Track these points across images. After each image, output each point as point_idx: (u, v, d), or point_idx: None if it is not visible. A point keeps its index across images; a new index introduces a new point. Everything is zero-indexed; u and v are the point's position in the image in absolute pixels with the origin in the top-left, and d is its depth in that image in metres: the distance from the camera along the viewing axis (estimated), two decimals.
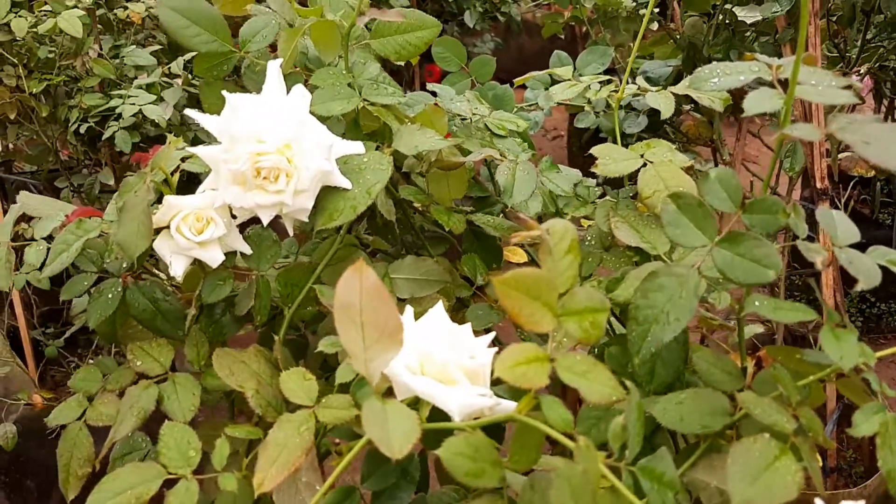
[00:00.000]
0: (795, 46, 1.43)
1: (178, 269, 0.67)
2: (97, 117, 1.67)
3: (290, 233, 0.68)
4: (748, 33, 1.46)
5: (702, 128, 1.85)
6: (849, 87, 0.58)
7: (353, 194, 0.66)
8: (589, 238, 0.82)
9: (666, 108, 0.81)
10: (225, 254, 0.69)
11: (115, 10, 1.84)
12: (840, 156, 1.94)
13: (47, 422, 0.71)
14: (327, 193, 0.66)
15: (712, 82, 0.61)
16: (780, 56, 1.48)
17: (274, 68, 0.66)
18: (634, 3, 1.90)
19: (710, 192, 0.60)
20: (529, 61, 2.12)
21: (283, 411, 0.65)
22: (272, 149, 0.62)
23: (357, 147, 0.66)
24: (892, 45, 1.70)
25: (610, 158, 0.75)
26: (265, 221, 0.66)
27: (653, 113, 1.73)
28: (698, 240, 0.59)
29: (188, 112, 0.65)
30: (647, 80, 1.69)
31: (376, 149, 0.71)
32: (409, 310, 0.58)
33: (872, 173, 1.86)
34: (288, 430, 0.58)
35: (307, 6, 0.87)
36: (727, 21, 1.45)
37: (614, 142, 0.86)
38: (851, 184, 1.87)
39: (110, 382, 0.72)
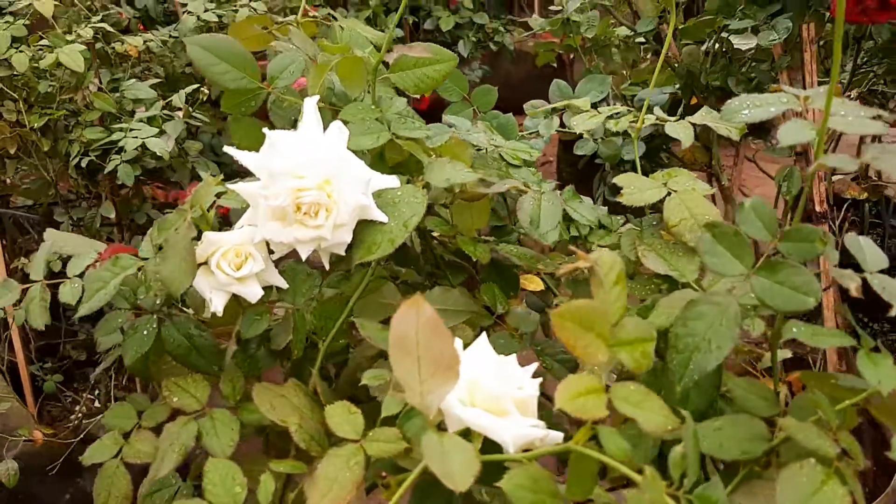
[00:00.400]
0: (792, 73, 1.46)
1: (218, 304, 0.67)
2: (98, 151, 1.67)
3: (327, 266, 0.69)
4: (744, 61, 1.49)
5: (697, 153, 1.88)
6: (878, 116, 0.60)
7: (390, 227, 0.67)
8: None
9: (686, 138, 0.83)
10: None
11: (112, 44, 1.85)
12: (833, 178, 1.98)
13: (83, 460, 0.71)
14: (364, 227, 0.67)
15: (743, 114, 0.63)
16: (776, 82, 1.51)
17: (311, 105, 0.66)
18: (631, 33, 1.94)
19: (747, 222, 0.61)
20: (516, 88, 2.14)
21: (326, 445, 0.65)
22: (313, 184, 0.63)
23: (393, 181, 0.67)
24: (881, 70, 1.74)
25: (635, 188, 0.77)
26: (304, 256, 0.66)
27: (650, 139, 1.76)
28: (736, 268, 0.61)
29: (227, 149, 0.66)
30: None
31: (407, 182, 0.72)
32: (458, 341, 0.59)
33: (865, 195, 1.90)
34: (337, 465, 0.58)
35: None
36: (724, 49, 1.48)
37: (634, 170, 0.87)
38: (845, 206, 1.90)
39: (145, 419, 0.72)
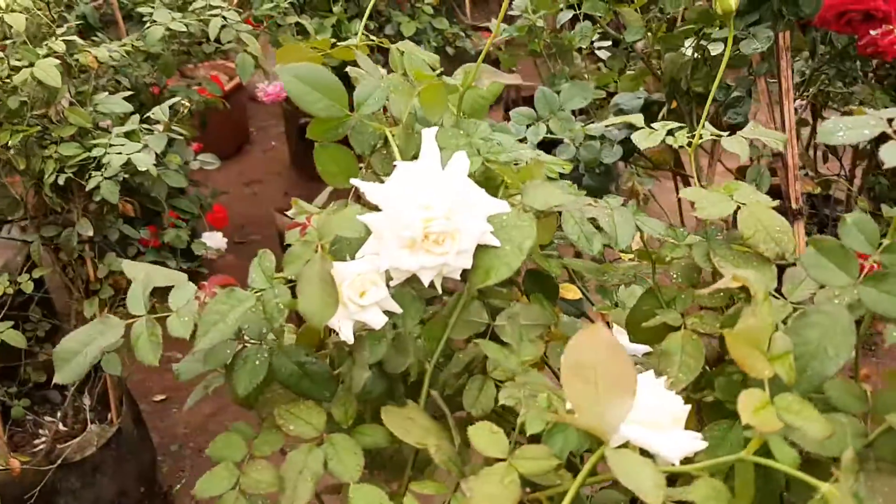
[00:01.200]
0: (768, 79, 1.54)
1: (348, 333, 0.68)
2: (74, 167, 1.62)
3: (439, 290, 0.71)
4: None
5: (665, 154, 1.96)
6: None
7: (505, 252, 0.69)
8: (675, 275, 0.88)
9: (743, 152, 0.88)
10: None
11: (75, 56, 1.79)
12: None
13: (196, 493, 0.71)
14: (480, 252, 0.69)
15: (839, 135, 0.68)
16: (753, 87, 1.60)
17: (430, 135, 0.68)
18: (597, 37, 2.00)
19: (849, 235, 0.67)
20: None
21: (460, 465, 0.68)
22: (440, 214, 0.65)
23: (504, 206, 0.70)
24: (833, 73, 1.86)
25: (707, 202, 0.82)
26: (426, 282, 0.68)
27: (625, 142, 1.83)
28: (842, 279, 0.66)
29: (355, 182, 0.67)
30: (620, 111, 1.79)
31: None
32: None
33: (818, 190, 2.02)
34: (492, 482, 0.61)
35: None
36: (704, 57, 1.55)
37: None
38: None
39: (259, 448, 0.72)
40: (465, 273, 0.69)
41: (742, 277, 0.59)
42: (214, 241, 2.39)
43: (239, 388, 0.71)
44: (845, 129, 0.68)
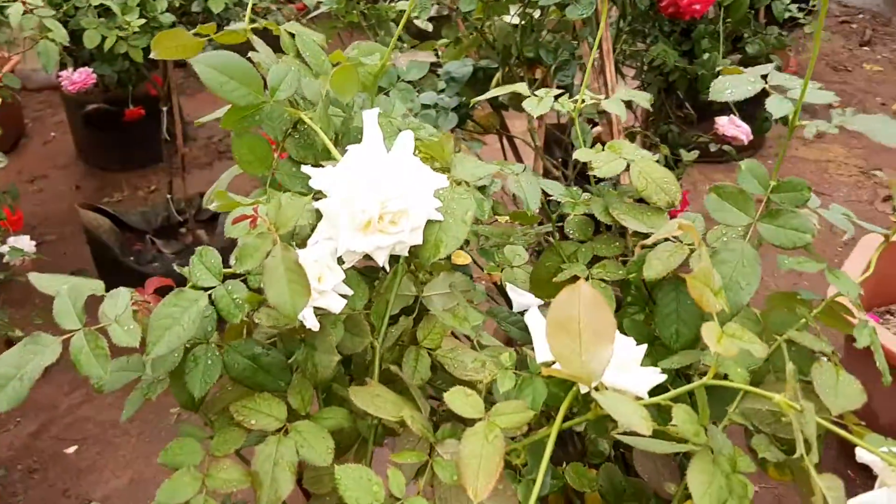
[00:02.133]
0: (591, 44, 1.66)
1: (312, 320, 0.68)
2: None
3: (387, 269, 0.73)
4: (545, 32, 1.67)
5: (491, 118, 2.05)
6: (821, 88, 0.77)
7: (449, 225, 0.72)
8: (570, 231, 0.95)
9: (621, 112, 0.96)
10: None
11: None
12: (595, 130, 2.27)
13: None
14: (427, 228, 0.72)
15: (727, 93, 0.77)
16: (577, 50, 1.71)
17: (371, 117, 0.70)
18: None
19: (745, 180, 0.76)
20: None
21: (432, 432, 0.70)
22: (396, 193, 0.67)
23: (444, 181, 0.73)
24: (632, 32, 2.02)
25: (601, 161, 0.89)
26: (381, 261, 0.70)
27: (458, 108, 1.89)
28: (742, 219, 0.76)
29: (305, 169, 0.67)
30: (452, 79, 1.85)
31: None
32: None
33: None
34: (476, 442, 0.64)
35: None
36: (532, 23, 1.64)
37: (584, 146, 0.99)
38: None
39: (219, 448, 0.71)
40: (412, 249, 0.72)
41: (684, 224, 0.66)
42: (23, 245, 2.21)
43: (194, 390, 0.70)
44: (731, 86, 0.77)
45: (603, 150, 0.93)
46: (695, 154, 2.24)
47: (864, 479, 0.76)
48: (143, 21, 1.89)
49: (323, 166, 0.83)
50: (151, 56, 0.82)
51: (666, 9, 1.75)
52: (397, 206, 0.67)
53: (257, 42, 0.86)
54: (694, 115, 2.32)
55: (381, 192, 0.66)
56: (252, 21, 0.88)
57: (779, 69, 2.06)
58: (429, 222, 0.72)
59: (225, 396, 0.74)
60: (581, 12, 1.52)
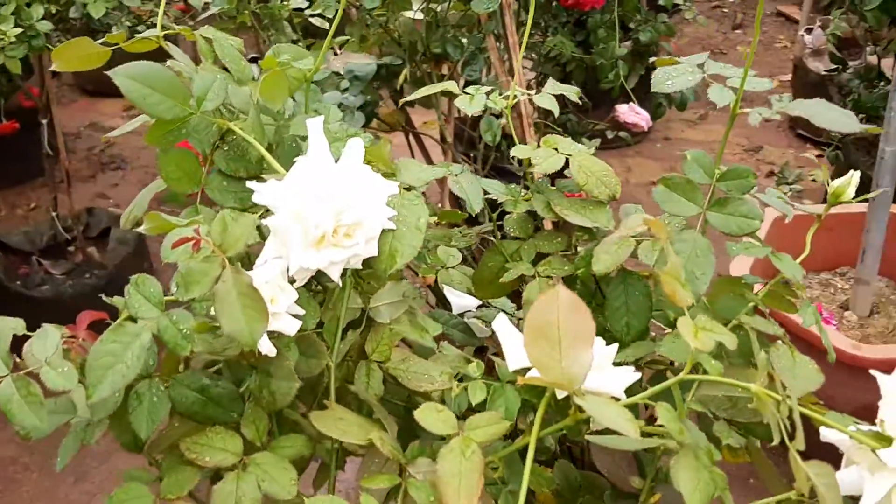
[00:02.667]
0: (497, 36, 1.65)
1: (268, 345, 0.64)
2: None
3: (339, 283, 0.69)
4: (455, 28, 1.65)
5: (397, 115, 2.02)
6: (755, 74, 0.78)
7: (403, 233, 0.69)
8: (511, 228, 0.93)
9: (554, 107, 0.95)
10: None
11: None
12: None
13: None
14: (381, 237, 0.68)
15: (668, 83, 0.77)
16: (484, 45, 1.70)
17: (316, 126, 0.65)
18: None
19: (691, 170, 0.76)
20: None
21: (402, 452, 0.67)
22: (350, 204, 0.63)
23: (395, 187, 0.69)
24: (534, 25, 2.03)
25: (540, 157, 0.87)
26: (335, 277, 0.66)
27: (363, 107, 1.85)
28: (691, 209, 0.76)
29: (250, 184, 0.62)
30: (356, 78, 1.81)
31: None
32: None
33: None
34: (454, 459, 0.62)
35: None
36: (436, 19, 1.61)
37: (520, 143, 0.97)
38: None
39: (170, 490, 0.66)
40: (366, 261, 0.68)
41: (650, 221, 0.65)
42: None
43: (141, 431, 0.64)
44: (672, 77, 0.77)
45: (538, 146, 0.92)
46: (597, 142, 2.28)
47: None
48: (18, 30, 1.76)
49: (258, 179, 0.78)
50: (53, 68, 0.75)
51: (565, 0, 1.76)
52: (352, 218, 0.63)
53: (174, 50, 0.80)
54: (589, 104, 2.36)
55: (334, 205, 0.62)
56: (163, 28, 0.82)
57: (669, 54, 2.11)
58: (382, 232, 0.68)
59: (171, 433, 0.69)
60: (487, 6, 1.51)
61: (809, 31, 3.43)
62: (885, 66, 2.70)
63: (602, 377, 0.63)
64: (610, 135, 2.57)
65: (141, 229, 0.70)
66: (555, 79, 2.41)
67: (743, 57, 3.99)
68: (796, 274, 0.78)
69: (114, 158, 3.29)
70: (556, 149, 0.89)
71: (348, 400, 0.78)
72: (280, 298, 0.64)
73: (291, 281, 0.66)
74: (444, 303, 1.06)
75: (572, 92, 0.99)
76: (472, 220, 1.22)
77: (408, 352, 0.84)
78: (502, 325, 0.66)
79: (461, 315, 1.03)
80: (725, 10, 4.66)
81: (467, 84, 1.75)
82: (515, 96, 0.96)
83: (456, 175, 0.86)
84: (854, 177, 0.84)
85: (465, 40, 1.61)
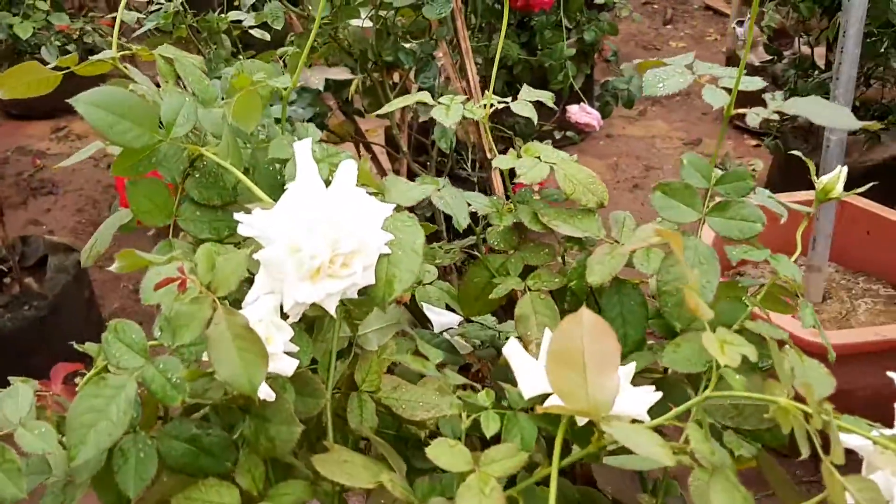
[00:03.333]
0: (449, 43, 1.62)
1: (266, 390, 0.59)
2: None
3: (335, 315, 0.64)
4: (405, 35, 1.61)
5: (346, 126, 1.97)
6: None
7: (399, 257, 0.65)
8: (496, 242, 0.89)
9: (532, 115, 0.92)
10: None
11: None
12: None
13: None
14: (377, 263, 0.64)
15: (660, 86, 0.74)
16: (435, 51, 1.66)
17: (304, 149, 0.61)
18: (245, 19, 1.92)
19: (688, 174, 0.74)
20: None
21: (412, 492, 0.63)
22: (348, 232, 0.59)
23: (389, 209, 0.65)
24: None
25: (525, 167, 0.84)
26: (332, 309, 0.62)
27: (313, 118, 1.80)
28: (690, 215, 0.73)
29: (238, 216, 0.57)
30: (304, 90, 1.75)
31: None
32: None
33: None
34: (473, 498, 0.58)
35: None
36: (386, 26, 1.57)
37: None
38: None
39: None
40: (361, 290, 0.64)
41: (664, 232, 0.62)
42: None
43: (129, 490, 0.58)
44: (663, 80, 0.75)
45: (519, 155, 0.89)
46: (548, 143, 2.26)
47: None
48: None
49: (232, 206, 0.73)
50: None
51: (515, 2, 1.73)
52: (350, 246, 0.59)
53: (133, 71, 0.74)
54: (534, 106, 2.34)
55: (330, 233, 0.58)
56: (120, 48, 0.76)
57: (615, 53, 2.07)
58: (378, 258, 0.64)
59: (159, 489, 0.63)
60: (439, 11, 1.47)
61: (741, 23, 3.49)
62: (818, 56, 2.76)
63: (623, 399, 0.59)
64: (557, 135, 2.56)
65: (112, 268, 0.64)
66: (501, 81, 2.38)
67: (676, 52, 4.03)
68: (795, 275, 0.77)
69: (45, 183, 3.15)
70: (538, 157, 0.86)
71: (337, 436, 0.73)
72: (276, 338, 0.59)
73: (284, 317, 0.62)
74: (421, 321, 1.02)
75: (547, 97, 0.96)
76: (434, 237, 1.18)
77: (397, 379, 0.80)
78: (514, 351, 0.62)
79: (441, 333, 0.99)
80: (656, 6, 4.72)
81: (422, 91, 1.72)
82: (492, 105, 0.92)
83: (438, 189, 0.83)
84: (842, 173, 0.83)
85: (415, 47, 1.56)
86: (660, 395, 0.61)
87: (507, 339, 1.03)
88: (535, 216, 0.85)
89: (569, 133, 2.70)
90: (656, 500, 0.76)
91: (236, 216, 0.58)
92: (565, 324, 0.54)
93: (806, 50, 2.78)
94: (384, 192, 0.71)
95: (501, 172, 1.74)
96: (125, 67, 0.74)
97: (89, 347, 0.64)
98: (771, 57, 2.94)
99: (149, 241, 0.77)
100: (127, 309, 2.66)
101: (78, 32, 2.05)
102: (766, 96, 0.75)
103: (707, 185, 0.74)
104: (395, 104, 0.89)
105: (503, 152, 0.89)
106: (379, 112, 0.90)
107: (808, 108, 0.70)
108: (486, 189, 1.47)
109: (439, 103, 0.90)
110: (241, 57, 2.03)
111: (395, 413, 0.75)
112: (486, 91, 0.94)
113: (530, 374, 0.61)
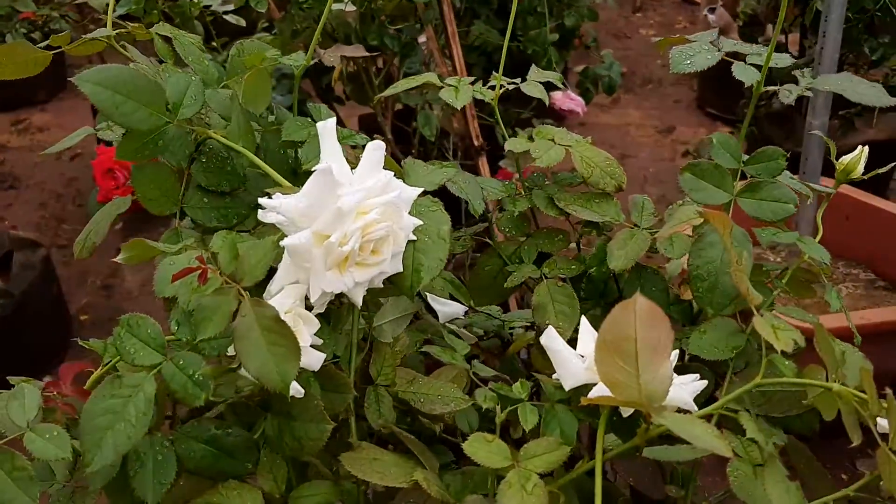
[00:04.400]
0: (436, 27, 1.58)
1: (296, 387, 0.55)
2: None
3: (359, 305, 0.61)
4: (391, 20, 1.57)
5: (325, 115, 1.92)
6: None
7: (426, 244, 0.62)
8: (507, 228, 0.86)
9: (544, 96, 0.88)
10: None
11: None
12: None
13: None
14: (404, 251, 0.61)
15: (686, 63, 0.71)
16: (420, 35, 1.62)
17: (328, 131, 0.57)
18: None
19: (718, 155, 0.71)
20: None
21: (447, 490, 0.60)
22: (381, 216, 0.55)
23: (417, 191, 0.61)
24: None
25: (539, 150, 0.81)
26: (358, 301, 0.58)
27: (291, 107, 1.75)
28: (721, 196, 0.71)
29: (265, 202, 0.53)
30: (284, 75, 1.71)
31: None
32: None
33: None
34: (515, 496, 0.55)
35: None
36: (371, 10, 1.53)
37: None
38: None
39: None
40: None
41: (711, 214, 0.59)
42: None
43: (147, 496, 0.54)
44: (692, 56, 0.72)
45: (531, 139, 0.85)
46: (530, 130, 2.23)
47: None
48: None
49: (238, 192, 0.69)
50: None
51: None
52: (380, 233, 0.55)
53: (132, 50, 0.70)
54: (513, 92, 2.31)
55: (360, 219, 0.54)
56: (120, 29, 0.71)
57: (595, 39, 2.04)
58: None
59: (177, 493, 0.59)
60: None
61: (712, 10, 3.50)
62: (791, 42, 2.77)
63: (678, 390, 0.57)
64: (536, 122, 2.54)
65: (118, 259, 0.60)
66: (480, 68, 2.34)
67: (647, 39, 4.02)
68: (824, 257, 0.75)
69: (5, 177, 3.05)
70: (552, 140, 0.83)
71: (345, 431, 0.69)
72: (303, 330, 0.56)
73: (308, 307, 0.58)
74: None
75: (557, 79, 0.93)
76: None
77: (411, 371, 0.77)
78: (553, 341, 0.59)
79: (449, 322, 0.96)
80: None
81: (407, 76, 1.68)
82: (503, 86, 0.89)
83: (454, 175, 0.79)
84: (864, 152, 0.81)
85: (401, 32, 1.52)
86: (705, 383, 0.59)
87: (511, 329, 1.01)
88: (551, 201, 0.82)
89: (547, 121, 2.67)
90: (685, 492, 0.74)
91: (261, 201, 0.54)
92: (617, 311, 0.51)
93: (779, 37, 2.78)
94: (403, 177, 0.67)
95: (487, 161, 1.71)
96: (122, 47, 0.69)
97: (95, 344, 0.60)
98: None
99: (116, 235, 0.73)
100: (95, 305, 2.58)
101: (43, 19, 1.97)
102: (796, 73, 0.72)
103: (737, 166, 0.71)
104: (401, 85, 0.85)
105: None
106: (385, 93, 0.86)
107: (841, 84, 0.68)
108: None
109: (448, 85, 0.86)
110: (214, 43, 1.98)
111: (414, 407, 0.72)
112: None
113: (570, 364, 0.58)
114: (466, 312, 0.99)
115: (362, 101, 1.66)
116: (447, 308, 0.96)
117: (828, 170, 0.76)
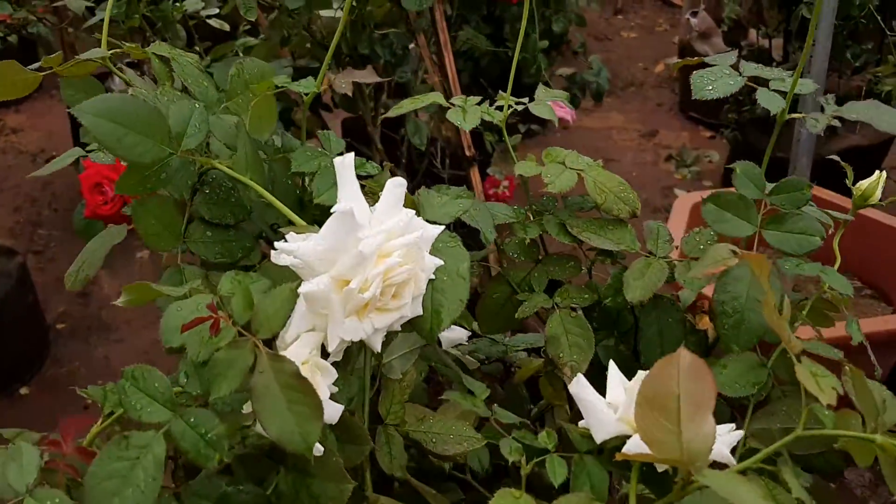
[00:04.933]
0: (427, 35, 1.55)
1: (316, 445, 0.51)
2: None
3: (378, 350, 0.57)
4: (382, 27, 1.53)
5: (312, 121, 1.89)
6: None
7: (445, 283, 0.58)
8: (516, 254, 0.83)
9: (553, 117, 0.85)
10: None
11: None
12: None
13: None
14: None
15: (707, 90, 0.69)
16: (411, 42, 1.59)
17: (346, 166, 0.53)
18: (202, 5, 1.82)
19: (741, 185, 0.68)
20: None
21: None
22: (403, 259, 0.52)
23: (438, 230, 0.58)
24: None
25: (552, 174, 0.78)
26: (378, 346, 0.55)
27: (283, 113, 1.71)
28: (746, 228, 0.68)
29: (280, 245, 0.50)
30: None
31: None
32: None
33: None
34: None
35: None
36: (361, 18, 1.49)
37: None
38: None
39: None
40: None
41: (750, 255, 0.57)
42: None
43: None
44: (713, 82, 0.69)
45: (536, 161, 0.82)
46: (518, 137, 2.21)
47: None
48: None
49: (243, 224, 0.66)
50: None
51: None
52: (402, 276, 0.52)
53: (128, 73, 0.66)
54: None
55: (382, 263, 0.51)
56: (113, 47, 0.67)
57: (583, 45, 2.01)
58: None
59: None
60: (419, 3, 1.40)
61: (695, 14, 3.49)
62: (775, 47, 2.76)
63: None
64: (522, 128, 2.52)
65: (118, 302, 0.56)
66: (467, 73, 2.31)
67: (628, 42, 4.00)
68: (846, 290, 0.72)
69: None
70: (563, 163, 0.80)
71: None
72: (321, 382, 0.52)
73: (324, 356, 0.54)
74: None
75: (563, 97, 0.90)
76: None
77: (420, 408, 0.74)
78: (583, 390, 0.56)
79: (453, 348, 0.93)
80: None
81: (398, 86, 1.64)
82: (510, 106, 0.85)
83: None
84: (882, 177, 0.79)
85: (392, 39, 1.49)
86: (741, 434, 0.56)
87: (514, 353, 0.98)
88: (563, 227, 0.79)
89: (534, 127, 2.65)
90: None
91: (276, 244, 0.50)
92: (659, 366, 0.48)
93: (763, 42, 2.78)
94: (417, 208, 0.63)
95: (478, 171, 1.68)
96: (119, 71, 0.65)
97: (93, 392, 0.56)
98: (728, 49, 2.94)
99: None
100: (71, 313, 2.52)
101: (21, 22, 1.90)
102: (821, 100, 0.70)
103: (760, 196, 0.69)
104: (407, 105, 0.81)
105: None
106: (390, 113, 0.82)
107: (869, 113, 0.66)
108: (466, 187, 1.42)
109: (453, 105, 0.83)
110: (197, 48, 1.93)
111: (425, 448, 0.69)
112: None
113: (601, 414, 0.55)
114: (470, 338, 0.96)
115: (352, 109, 1.62)
116: (451, 333, 0.93)
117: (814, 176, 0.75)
